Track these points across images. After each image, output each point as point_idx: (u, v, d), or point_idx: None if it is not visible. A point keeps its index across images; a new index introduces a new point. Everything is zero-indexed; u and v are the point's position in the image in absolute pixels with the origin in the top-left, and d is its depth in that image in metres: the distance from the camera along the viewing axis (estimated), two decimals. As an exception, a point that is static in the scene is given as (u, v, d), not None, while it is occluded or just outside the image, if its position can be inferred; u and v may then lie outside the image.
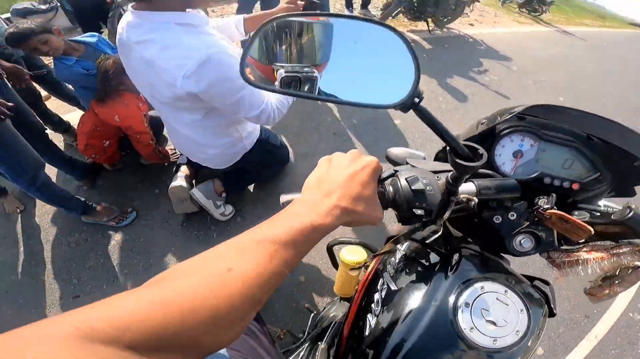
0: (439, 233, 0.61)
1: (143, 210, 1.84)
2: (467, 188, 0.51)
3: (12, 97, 1.57)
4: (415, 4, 4.58)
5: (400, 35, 0.43)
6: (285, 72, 0.47)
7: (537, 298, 0.55)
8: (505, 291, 0.51)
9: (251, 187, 1.96)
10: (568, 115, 0.58)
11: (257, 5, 3.00)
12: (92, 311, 0.25)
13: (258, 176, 1.88)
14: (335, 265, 0.83)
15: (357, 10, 5.07)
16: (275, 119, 1.31)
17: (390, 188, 0.49)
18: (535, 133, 0.59)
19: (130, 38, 1.10)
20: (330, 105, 2.49)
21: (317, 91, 0.47)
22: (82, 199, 1.73)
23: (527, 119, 0.61)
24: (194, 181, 1.77)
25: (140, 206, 1.85)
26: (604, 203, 0.62)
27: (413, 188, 0.47)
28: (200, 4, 1.15)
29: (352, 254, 0.83)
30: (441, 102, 3.11)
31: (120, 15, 2.45)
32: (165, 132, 1.91)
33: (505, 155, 0.61)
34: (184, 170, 1.73)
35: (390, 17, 4.69)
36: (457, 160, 0.42)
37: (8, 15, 3.05)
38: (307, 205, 0.39)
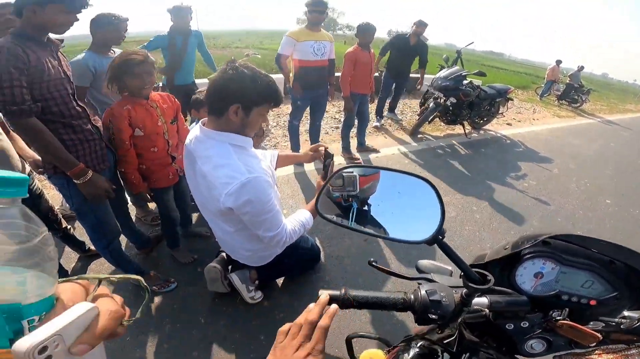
0: (454, 336, 0.64)
1: (184, 282, 1.98)
2: (480, 301, 0.57)
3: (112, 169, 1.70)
4: (451, 108, 4.76)
5: (432, 185, 0.58)
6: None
7: None
8: None
9: (282, 278, 2.07)
10: (593, 243, 0.60)
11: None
12: None
13: (290, 271, 1.99)
14: (352, 358, 0.84)
15: (385, 112, 5.44)
16: (286, 243, 1.43)
17: (412, 296, 0.57)
18: (555, 259, 0.61)
19: (195, 150, 1.29)
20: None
21: (355, 219, 0.65)
22: (138, 264, 1.92)
23: (551, 244, 0.62)
24: (230, 266, 1.88)
25: (182, 280, 2.00)
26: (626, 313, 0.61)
27: (431, 299, 0.56)
28: (252, 132, 1.33)
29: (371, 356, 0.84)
30: (475, 211, 3.06)
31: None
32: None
33: (527, 276, 0.62)
34: (223, 255, 1.88)
35: (426, 122, 4.96)
36: (469, 284, 0.55)
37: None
38: None
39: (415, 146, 4.46)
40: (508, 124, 6.42)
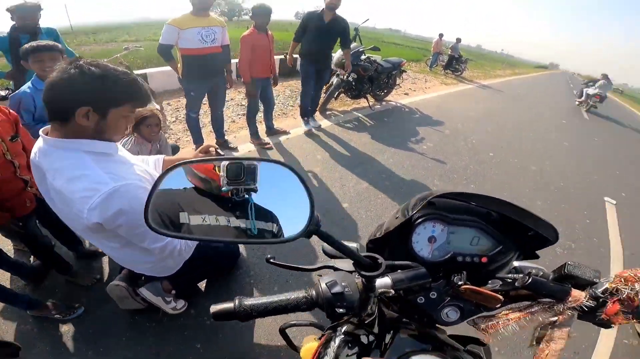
0: (374, 316, 0.63)
1: (93, 305, 1.77)
2: (383, 282, 0.55)
3: None
4: (353, 83, 4.90)
5: (294, 171, 0.48)
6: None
7: None
8: None
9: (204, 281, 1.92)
10: (470, 197, 0.65)
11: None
12: None
13: (207, 274, 1.85)
14: (292, 347, 0.80)
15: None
16: (181, 251, 1.32)
17: (313, 292, 0.53)
18: (444, 219, 0.64)
19: (42, 164, 1.07)
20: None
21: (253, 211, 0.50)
22: (28, 295, 1.67)
23: (436, 205, 0.66)
24: (142, 278, 1.67)
25: (89, 302, 1.78)
26: (532, 265, 0.66)
27: (332, 292, 0.52)
28: (116, 136, 1.14)
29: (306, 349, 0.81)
30: (384, 179, 3.20)
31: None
32: None
33: (422, 241, 0.65)
34: (127, 269, 1.65)
35: (333, 98, 5.04)
36: (362, 272, 0.52)
37: None
38: None
39: (325, 123, 4.47)
40: (405, 94, 6.93)
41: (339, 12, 3.63)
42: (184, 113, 3.95)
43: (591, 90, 10.64)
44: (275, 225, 0.52)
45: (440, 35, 12.62)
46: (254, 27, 3.17)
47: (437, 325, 0.65)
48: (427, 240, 0.65)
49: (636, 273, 0.55)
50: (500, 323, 0.58)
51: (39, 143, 1.10)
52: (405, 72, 6.33)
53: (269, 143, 3.63)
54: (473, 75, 13.63)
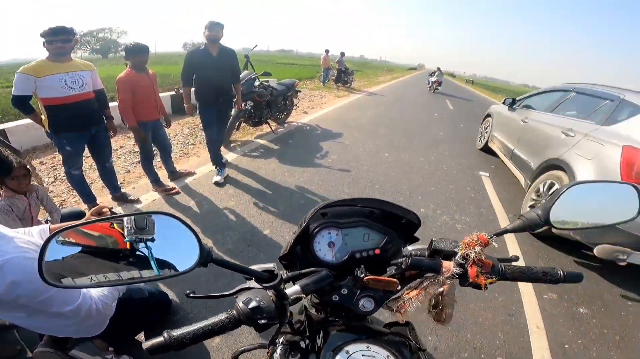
0: (304, 322, 0.68)
1: None
2: (293, 289, 0.61)
3: None
4: (252, 111, 4.93)
5: (174, 216, 0.53)
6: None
7: (398, 341, 0.65)
8: (368, 347, 0.58)
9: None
10: (356, 201, 0.76)
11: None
12: None
13: (139, 327, 1.72)
14: None
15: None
16: (99, 310, 1.24)
17: (234, 312, 0.57)
18: (336, 225, 0.74)
19: None
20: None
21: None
22: None
23: (328, 214, 0.76)
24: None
25: None
26: (419, 247, 0.76)
27: (250, 307, 0.56)
28: None
29: None
30: (299, 198, 3.33)
31: None
32: None
33: (324, 248, 0.74)
34: None
35: (234, 130, 5.00)
36: (263, 284, 0.58)
37: None
38: None
39: (231, 156, 4.41)
40: (305, 112, 7.30)
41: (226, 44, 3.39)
42: (63, 172, 3.47)
43: (433, 79, 16.53)
44: (171, 263, 0.56)
45: (327, 51, 13.60)
46: (131, 68, 2.98)
47: (367, 317, 0.72)
48: (327, 246, 0.74)
49: (473, 238, 0.63)
50: (405, 302, 0.65)
51: None
52: (300, 91, 6.65)
53: (174, 188, 3.41)
54: (361, 85, 15.11)
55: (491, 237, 0.63)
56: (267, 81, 5.41)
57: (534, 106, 4.24)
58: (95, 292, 1.26)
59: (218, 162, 3.72)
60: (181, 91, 3.66)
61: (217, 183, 3.53)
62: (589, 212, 0.70)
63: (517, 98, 4.78)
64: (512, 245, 2.88)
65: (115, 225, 0.55)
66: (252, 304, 0.57)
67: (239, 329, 0.59)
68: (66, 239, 0.54)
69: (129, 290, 1.61)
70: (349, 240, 0.75)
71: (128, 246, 0.55)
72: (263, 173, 3.88)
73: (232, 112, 4.69)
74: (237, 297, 0.60)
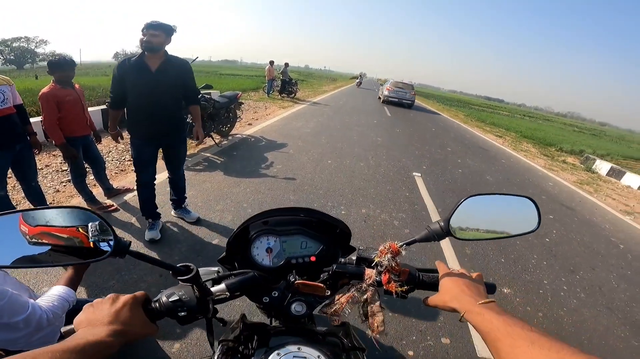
0: (239, 327, 0.69)
1: None
2: (219, 287, 0.64)
3: None
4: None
5: (85, 209, 0.56)
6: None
7: (330, 341, 0.66)
8: (299, 348, 0.58)
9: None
10: (294, 210, 0.79)
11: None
12: None
13: None
14: None
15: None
16: (50, 321, 1.23)
17: (157, 305, 0.59)
18: (274, 232, 0.77)
19: None
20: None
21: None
22: None
23: (269, 222, 0.78)
24: None
25: None
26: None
27: (171, 300, 0.59)
28: None
29: None
30: (246, 207, 3.37)
31: None
32: None
33: (262, 253, 0.76)
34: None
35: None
36: (178, 277, 0.60)
37: None
38: (84, 331, 0.51)
39: (174, 170, 4.29)
40: (249, 124, 7.30)
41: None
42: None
43: (357, 80, 20.85)
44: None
45: (271, 62, 13.64)
46: (55, 82, 2.79)
47: (307, 321, 0.74)
48: (265, 251, 0.76)
49: (386, 246, 0.64)
50: (337, 308, 0.65)
51: None
52: (243, 103, 6.67)
53: (112, 205, 3.24)
54: (305, 95, 15.44)
55: (401, 246, 0.64)
56: (209, 93, 5.36)
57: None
58: (44, 303, 1.25)
59: (151, 212, 2.74)
60: (111, 133, 2.78)
61: (152, 241, 2.63)
62: (489, 223, 0.71)
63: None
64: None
65: (80, 229, 0.59)
66: (174, 297, 0.59)
67: (199, 333, 0.64)
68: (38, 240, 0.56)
69: (79, 302, 1.57)
70: (287, 246, 0.77)
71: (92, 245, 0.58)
72: (208, 186, 3.86)
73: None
74: (162, 291, 0.63)
